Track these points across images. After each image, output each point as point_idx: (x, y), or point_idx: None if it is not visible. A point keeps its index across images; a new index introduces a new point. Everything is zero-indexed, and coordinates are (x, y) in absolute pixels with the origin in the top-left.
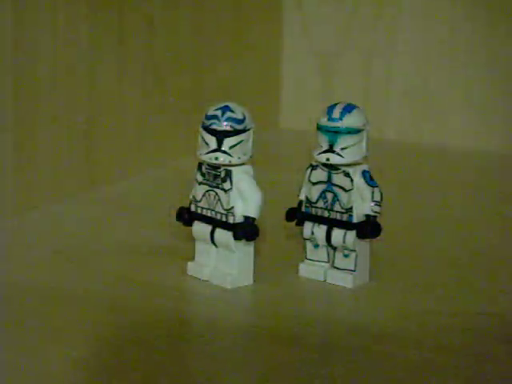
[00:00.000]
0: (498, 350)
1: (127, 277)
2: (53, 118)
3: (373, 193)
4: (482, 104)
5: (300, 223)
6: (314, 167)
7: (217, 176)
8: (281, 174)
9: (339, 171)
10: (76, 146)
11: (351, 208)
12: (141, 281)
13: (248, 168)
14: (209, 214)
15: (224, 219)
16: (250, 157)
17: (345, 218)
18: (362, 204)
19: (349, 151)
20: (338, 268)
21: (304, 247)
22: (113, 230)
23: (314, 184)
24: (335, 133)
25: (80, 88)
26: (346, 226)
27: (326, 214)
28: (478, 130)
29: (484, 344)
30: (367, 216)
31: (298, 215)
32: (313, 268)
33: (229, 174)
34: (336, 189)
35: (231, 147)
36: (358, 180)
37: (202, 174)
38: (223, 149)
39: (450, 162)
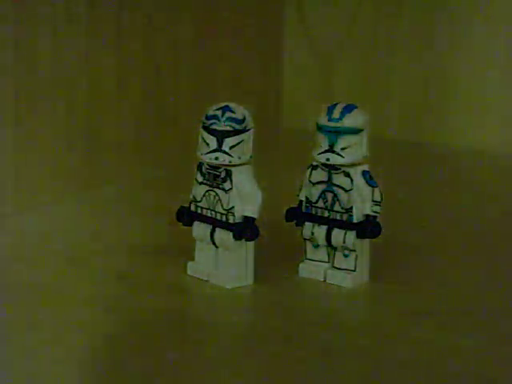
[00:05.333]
0: (498, 350)
1: (127, 277)
2: (53, 118)
3: (373, 193)
4: (482, 104)
5: (300, 223)
6: (314, 167)
7: (217, 176)
8: (281, 174)
9: (339, 171)
10: (76, 146)
11: (351, 208)
12: (141, 281)
13: (248, 168)
14: (209, 214)
15: (224, 219)
16: (250, 157)
17: (345, 218)
18: (361, 204)
19: (349, 151)
20: (337, 268)
21: (304, 247)
22: (113, 230)
23: (314, 184)
24: (335, 133)
25: (80, 88)
26: (346, 226)
27: (326, 214)
28: (478, 129)
29: (484, 344)
30: (367, 216)
31: (298, 215)
32: (313, 268)
33: (229, 174)
34: (336, 189)
35: (231, 147)
36: (358, 180)
37: (202, 174)
38: (223, 149)
39: (450, 161)
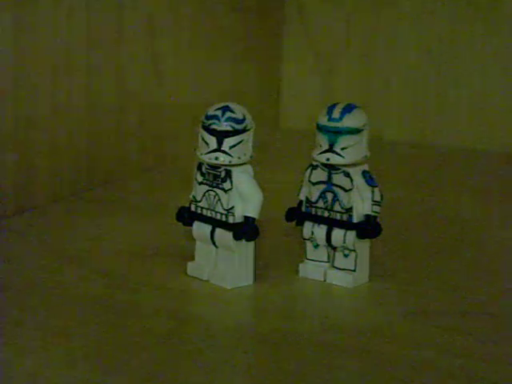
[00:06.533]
0: (497, 350)
1: (127, 277)
2: (53, 118)
3: (373, 193)
4: (482, 104)
5: (300, 223)
6: (314, 167)
7: (217, 176)
8: (281, 174)
9: (339, 171)
10: (76, 146)
11: (351, 208)
12: (141, 281)
13: (248, 168)
14: (209, 214)
15: (224, 219)
16: (250, 157)
17: (345, 217)
18: (361, 204)
19: (349, 151)
20: (338, 268)
21: (304, 247)
22: (113, 230)
23: (314, 184)
24: (335, 133)
25: (80, 88)
26: (346, 226)
27: (326, 214)
28: (478, 129)
29: (484, 344)
30: (367, 216)
31: (297, 215)
32: (313, 268)
33: (229, 173)
34: (336, 189)
35: (231, 147)
36: (358, 180)
37: (202, 174)
38: (223, 149)
39: (449, 161)
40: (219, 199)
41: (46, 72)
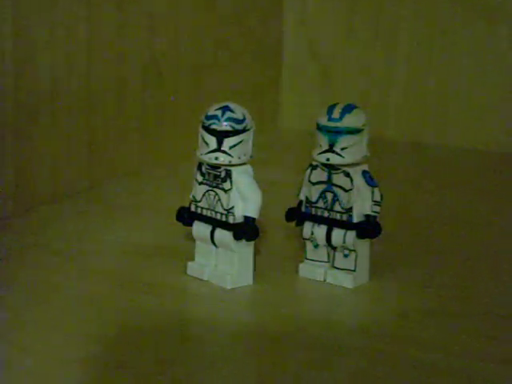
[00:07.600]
0: (497, 350)
1: (127, 277)
2: (53, 118)
3: (373, 193)
4: (482, 104)
5: (300, 223)
6: (314, 167)
7: (217, 176)
8: (281, 174)
9: (339, 171)
10: (76, 146)
11: (351, 208)
12: (141, 281)
13: (248, 168)
14: (209, 214)
15: (224, 219)
16: (250, 157)
17: (345, 217)
18: (361, 204)
19: (349, 151)
20: (338, 268)
21: (304, 247)
22: (113, 230)
23: (314, 184)
24: (335, 133)
25: (80, 87)
26: (346, 226)
27: (326, 214)
28: (478, 129)
29: (484, 344)
30: (367, 216)
31: (297, 215)
32: (313, 268)
33: (229, 174)
34: (336, 189)
35: (231, 147)
36: (358, 180)
37: (202, 174)
38: (223, 149)
39: (449, 161)
40: (219, 199)
41: (46, 71)
